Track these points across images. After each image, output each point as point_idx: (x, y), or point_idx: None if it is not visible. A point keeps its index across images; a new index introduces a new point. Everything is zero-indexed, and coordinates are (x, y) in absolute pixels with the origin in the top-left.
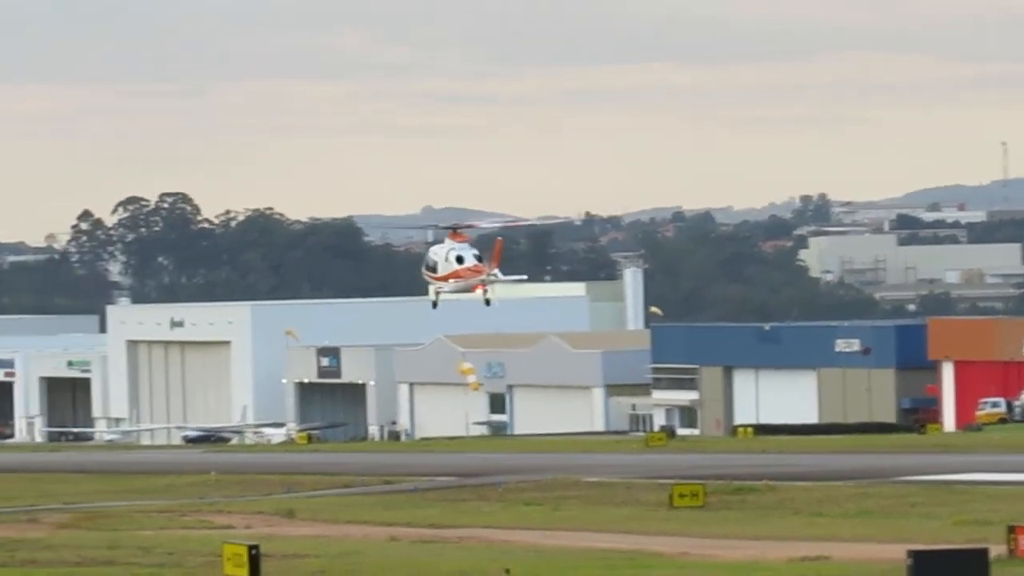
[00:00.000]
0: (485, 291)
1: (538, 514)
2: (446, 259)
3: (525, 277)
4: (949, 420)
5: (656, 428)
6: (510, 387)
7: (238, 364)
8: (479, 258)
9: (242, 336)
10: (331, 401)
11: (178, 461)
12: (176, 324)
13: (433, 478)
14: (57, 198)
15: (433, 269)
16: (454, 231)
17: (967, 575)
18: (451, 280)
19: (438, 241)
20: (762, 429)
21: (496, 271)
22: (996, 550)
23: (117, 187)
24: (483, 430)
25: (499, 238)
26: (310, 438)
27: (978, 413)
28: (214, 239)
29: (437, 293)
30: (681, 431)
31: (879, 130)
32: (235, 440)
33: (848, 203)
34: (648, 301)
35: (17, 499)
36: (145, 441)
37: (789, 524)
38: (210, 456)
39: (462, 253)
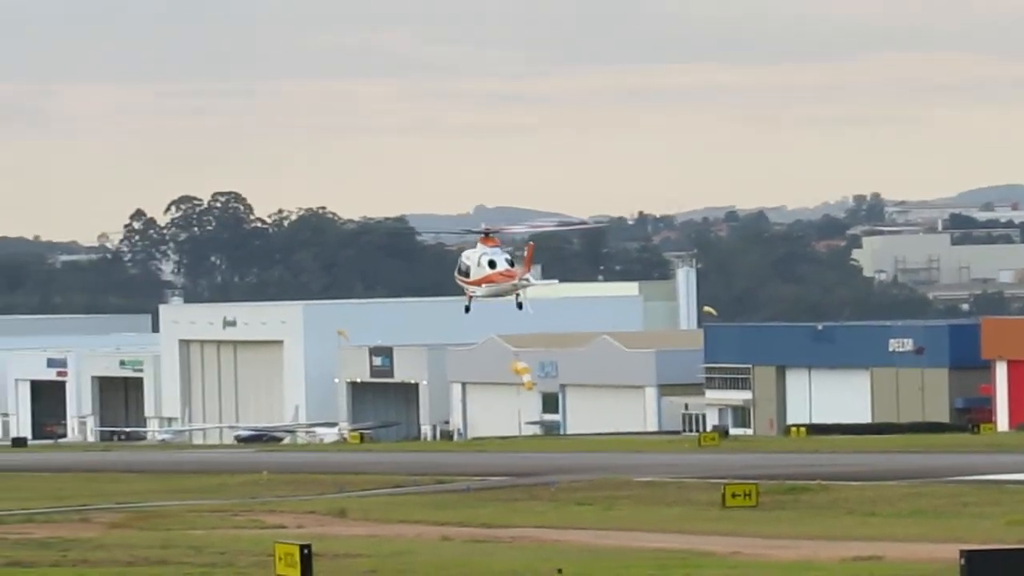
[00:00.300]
0: (518, 295)
1: (590, 514)
2: (478, 264)
3: (555, 281)
4: (1002, 420)
5: (709, 428)
6: (563, 387)
7: (290, 364)
8: (511, 262)
9: (294, 335)
10: (383, 401)
11: (230, 461)
12: (228, 324)
13: (485, 478)
14: (110, 197)
15: (466, 274)
16: (486, 235)
17: (1020, 575)
18: (484, 284)
19: (470, 246)
20: (815, 429)
21: (528, 275)
22: None
23: (170, 186)
24: (535, 430)
25: (531, 243)
26: (362, 438)
27: None
28: (266, 238)
29: (470, 297)
30: (734, 431)
31: (933, 129)
32: (287, 440)
33: (901, 202)
34: (701, 301)
35: (69, 499)
36: (197, 441)
37: (842, 524)
38: (262, 456)
39: (494, 257)
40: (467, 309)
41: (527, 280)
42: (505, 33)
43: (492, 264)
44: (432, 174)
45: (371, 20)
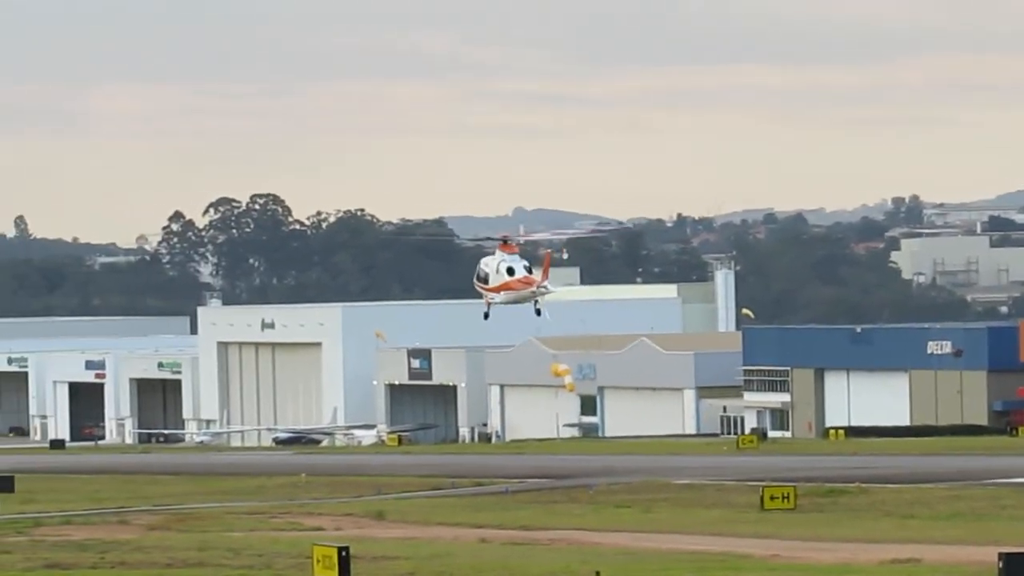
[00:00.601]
0: (536, 301)
1: (629, 516)
2: (497, 271)
3: (576, 286)
4: None
5: (747, 430)
6: (601, 389)
7: (329, 366)
8: (529, 269)
9: (333, 338)
10: (421, 403)
11: (268, 463)
12: (267, 326)
13: (524, 480)
14: (149, 199)
15: (485, 280)
16: (504, 242)
17: None
18: (502, 291)
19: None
20: (853, 431)
21: (546, 283)
22: None
23: (208, 188)
24: (574, 432)
25: (548, 251)
26: (400, 440)
27: None
28: (305, 240)
29: (488, 304)
30: (772, 433)
31: (972, 131)
32: (325, 442)
33: (940, 205)
34: (740, 303)
35: (108, 500)
36: (235, 443)
37: (880, 526)
38: (300, 458)
39: (512, 264)
40: (486, 315)
41: (545, 287)
42: (545, 34)
43: (511, 271)
44: (471, 176)
45: (411, 21)
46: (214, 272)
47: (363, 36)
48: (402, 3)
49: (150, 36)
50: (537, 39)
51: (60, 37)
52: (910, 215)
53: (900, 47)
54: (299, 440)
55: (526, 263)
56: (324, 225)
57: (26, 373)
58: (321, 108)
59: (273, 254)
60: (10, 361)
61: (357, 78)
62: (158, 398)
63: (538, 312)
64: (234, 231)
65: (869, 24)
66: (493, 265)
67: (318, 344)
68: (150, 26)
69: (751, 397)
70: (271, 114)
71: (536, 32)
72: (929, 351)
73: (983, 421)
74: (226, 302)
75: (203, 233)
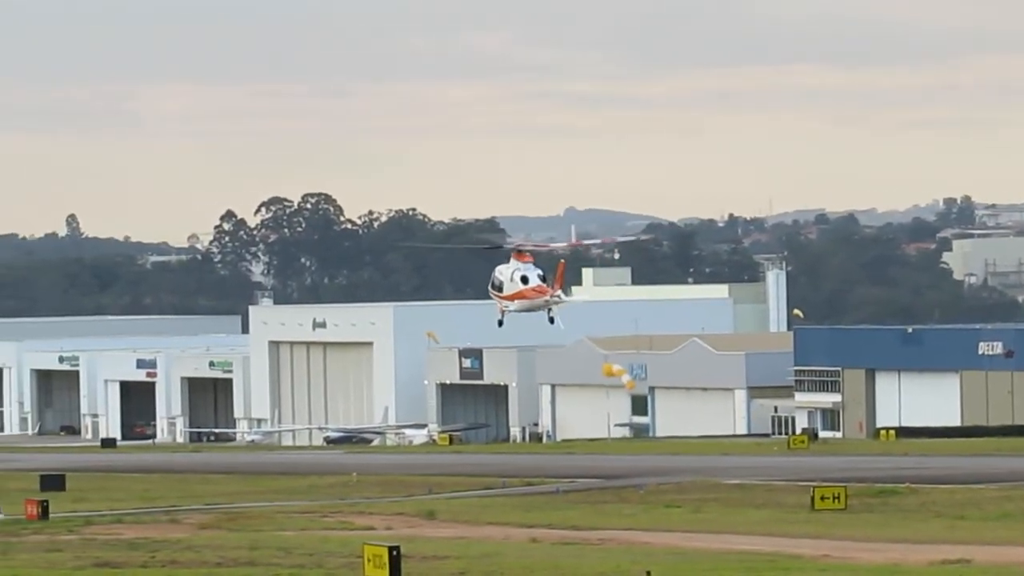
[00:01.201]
0: (549, 310)
1: (679, 516)
2: (511, 279)
3: (586, 296)
4: None
5: (798, 430)
6: (652, 389)
7: (380, 365)
8: (543, 278)
9: (384, 337)
10: (473, 402)
11: (319, 462)
12: (318, 325)
13: (574, 480)
14: (200, 198)
15: (499, 288)
16: (519, 251)
17: None
18: (516, 300)
19: (504, 261)
20: (904, 432)
21: (559, 292)
22: None
23: (260, 187)
24: (625, 432)
25: (561, 260)
26: (451, 439)
27: None
28: (357, 240)
29: (503, 312)
30: (823, 433)
31: (1023, 132)
32: (376, 441)
33: (992, 205)
34: (791, 303)
35: (159, 499)
36: (286, 442)
37: (931, 527)
38: (351, 457)
39: (527, 273)
40: (500, 323)
41: (559, 297)
42: (597, 34)
43: (525, 280)
44: (522, 176)
45: (463, 21)
46: (266, 271)
47: (416, 36)
48: (455, 4)
49: (204, 36)
50: (590, 40)
51: (111, 37)
52: (962, 216)
53: (953, 48)
54: (350, 439)
55: (540, 272)
56: (376, 225)
57: (77, 372)
58: (373, 108)
59: (325, 253)
60: (62, 360)
61: (410, 78)
62: (209, 397)
63: (551, 320)
64: (286, 230)
65: (922, 25)
66: (507, 274)
67: (369, 343)
68: (204, 27)
69: (802, 397)
70: (324, 113)
71: (589, 33)
72: (980, 352)
73: None
74: (277, 301)
75: (255, 232)
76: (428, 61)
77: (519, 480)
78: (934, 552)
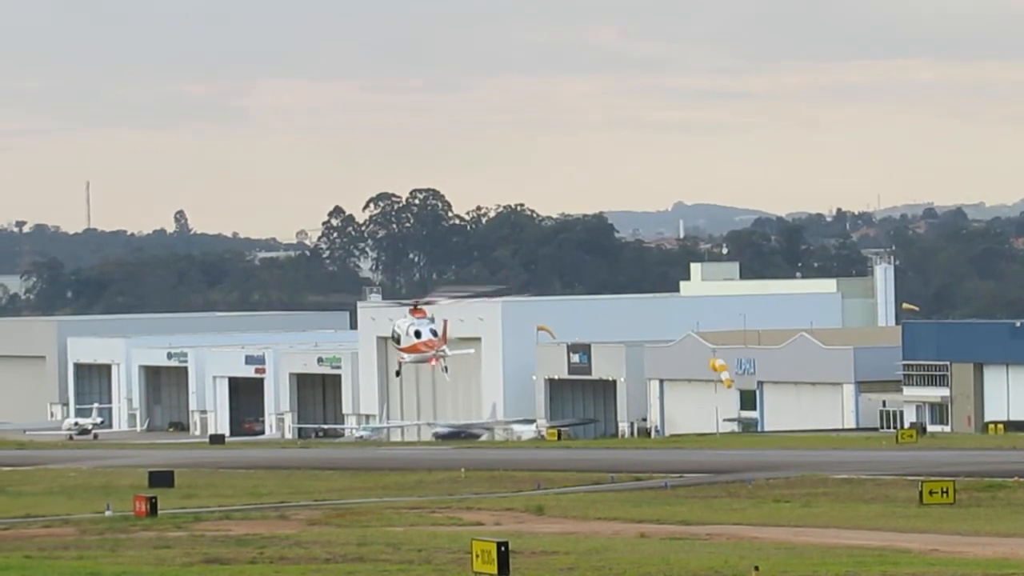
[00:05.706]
0: (437, 362)
1: (788, 511)
2: (407, 333)
3: (471, 351)
4: None
5: (907, 425)
6: (760, 384)
7: (489, 360)
8: (434, 332)
9: (493, 332)
10: (581, 397)
11: (428, 458)
12: None
13: (683, 475)
14: (309, 194)
15: (398, 341)
16: (415, 307)
17: None
18: (410, 352)
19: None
20: (1013, 426)
21: (444, 347)
22: None
23: (368, 183)
24: (733, 427)
25: (445, 319)
26: (560, 434)
27: None
28: (465, 235)
29: (399, 363)
30: (932, 428)
31: None
32: (485, 436)
33: None
34: (899, 298)
35: (268, 496)
36: (395, 438)
37: None
38: (460, 452)
39: (420, 328)
40: (397, 373)
41: (444, 351)
42: (707, 30)
43: (418, 334)
44: (632, 171)
45: (575, 16)
46: (374, 267)
47: (528, 31)
48: None
49: (312, 31)
50: (702, 35)
51: (222, 34)
52: None
53: None
54: (458, 435)
55: (432, 326)
56: (484, 220)
57: (186, 368)
58: (482, 103)
59: (433, 249)
60: (170, 356)
61: (519, 73)
62: (318, 393)
63: (445, 370)
64: (394, 226)
65: None
66: (403, 327)
67: (478, 339)
68: (313, 21)
69: (910, 392)
70: (432, 109)
71: (701, 28)
72: None
73: None
74: (386, 297)
75: (363, 228)
76: (540, 56)
77: (628, 475)
78: None
